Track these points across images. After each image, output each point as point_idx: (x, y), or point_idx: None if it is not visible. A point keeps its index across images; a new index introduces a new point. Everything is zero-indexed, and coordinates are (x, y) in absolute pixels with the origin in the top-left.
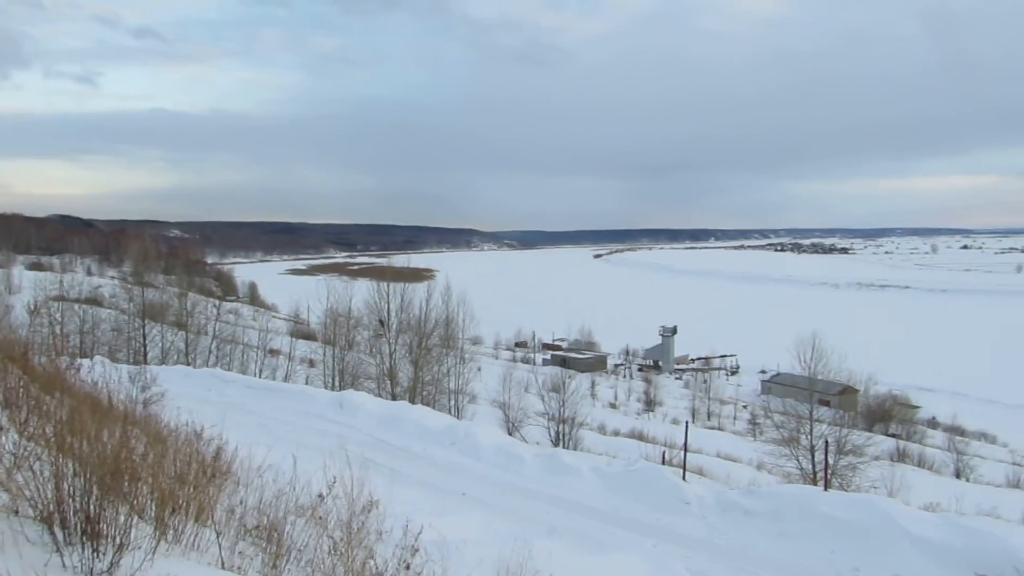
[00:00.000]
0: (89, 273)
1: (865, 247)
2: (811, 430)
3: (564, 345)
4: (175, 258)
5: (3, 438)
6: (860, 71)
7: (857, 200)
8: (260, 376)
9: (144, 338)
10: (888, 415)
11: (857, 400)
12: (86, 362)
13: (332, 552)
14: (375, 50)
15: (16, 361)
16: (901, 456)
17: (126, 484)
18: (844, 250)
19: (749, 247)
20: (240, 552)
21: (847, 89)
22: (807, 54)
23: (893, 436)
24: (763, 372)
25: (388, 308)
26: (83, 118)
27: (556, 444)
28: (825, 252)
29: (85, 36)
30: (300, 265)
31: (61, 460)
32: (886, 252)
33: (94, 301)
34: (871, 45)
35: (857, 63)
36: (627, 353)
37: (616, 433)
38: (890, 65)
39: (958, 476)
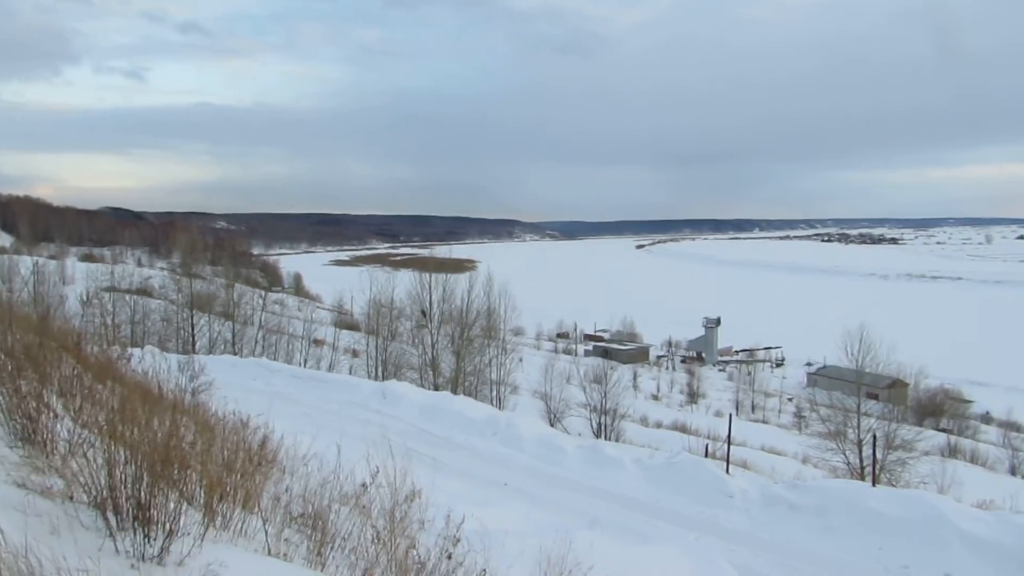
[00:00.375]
0: (139, 264)
1: (916, 237)
2: (859, 424)
3: (606, 336)
4: (222, 249)
5: (59, 425)
6: (910, 55)
7: (907, 189)
8: (305, 366)
9: (192, 328)
10: (939, 409)
11: (907, 394)
12: (137, 351)
13: (375, 540)
14: (417, 42)
15: (70, 350)
16: (952, 452)
17: (176, 471)
18: (893, 240)
19: (794, 237)
20: (286, 539)
21: (897, 74)
22: (854, 39)
23: (944, 431)
24: (809, 364)
25: (430, 299)
26: (132, 112)
27: (598, 436)
28: (874, 242)
29: (133, 32)
30: (343, 256)
31: (113, 447)
32: (938, 242)
33: (144, 292)
34: (921, 26)
35: (909, 45)
36: (670, 344)
37: (658, 425)
38: (942, 47)
39: (1013, 473)
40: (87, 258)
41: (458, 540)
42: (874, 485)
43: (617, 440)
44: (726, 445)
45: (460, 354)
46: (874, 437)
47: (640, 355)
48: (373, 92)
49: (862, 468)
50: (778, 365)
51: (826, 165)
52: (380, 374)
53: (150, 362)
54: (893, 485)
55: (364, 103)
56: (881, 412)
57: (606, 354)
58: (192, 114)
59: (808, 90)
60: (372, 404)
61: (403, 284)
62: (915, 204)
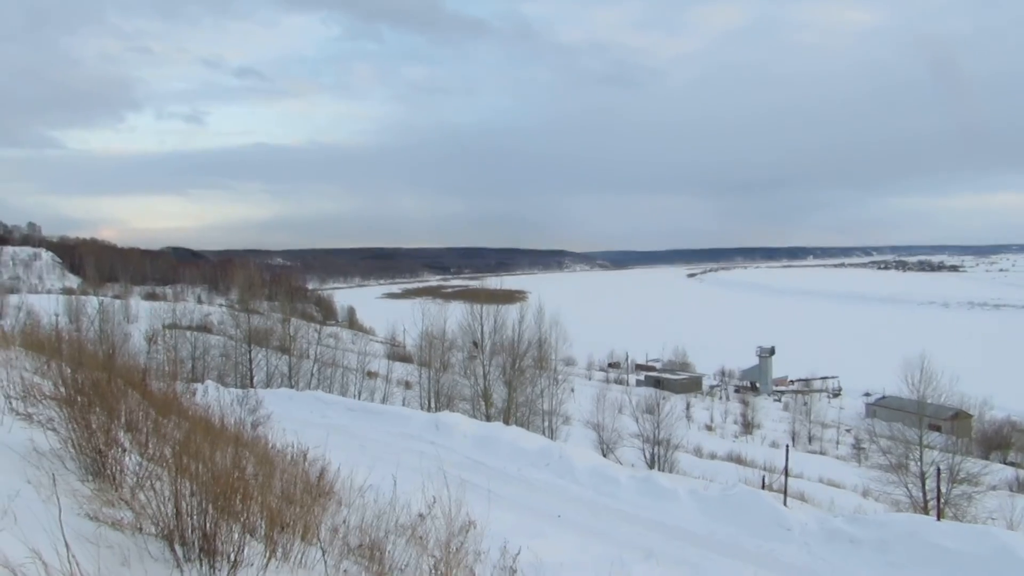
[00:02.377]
0: (199, 301)
1: (977, 264)
2: (921, 456)
3: (658, 366)
4: (278, 285)
5: (127, 459)
6: (972, 75)
7: (968, 215)
8: (359, 398)
9: (250, 362)
10: (1006, 442)
11: (971, 426)
12: (198, 386)
13: (432, 572)
14: (464, 78)
15: (136, 386)
16: (1022, 486)
17: (238, 503)
18: (954, 268)
19: (850, 265)
20: (344, 571)
21: (957, 97)
22: (907, 61)
23: (1012, 464)
24: (867, 395)
25: (482, 330)
26: (191, 155)
27: (651, 466)
28: (933, 270)
29: (191, 78)
30: (395, 289)
31: (179, 480)
32: (1000, 269)
33: (204, 328)
34: (977, 47)
35: (967, 66)
36: (723, 374)
37: (713, 456)
38: (1002, 66)
39: None
40: (150, 297)
41: (514, 572)
42: (939, 520)
43: (671, 471)
44: (783, 476)
45: (512, 384)
46: (938, 470)
47: (692, 385)
48: (422, 128)
49: (925, 502)
50: (835, 395)
51: (883, 191)
52: (433, 405)
53: (211, 396)
54: (959, 520)
55: (414, 139)
56: (944, 444)
57: (658, 384)
58: (248, 154)
59: (861, 116)
60: (425, 435)
61: (454, 316)
62: (976, 230)
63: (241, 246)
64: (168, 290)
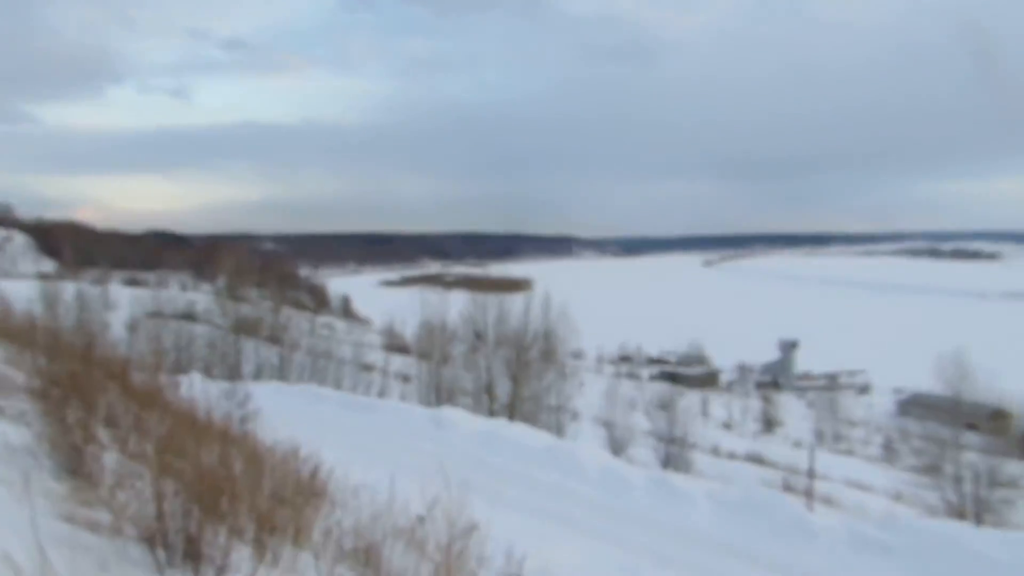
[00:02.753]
0: (184, 289)
1: (1017, 252)
2: (957, 458)
3: (672, 359)
4: (268, 272)
5: (105, 456)
6: (1016, 52)
7: (1007, 200)
8: (355, 392)
9: (238, 354)
10: None
11: (1011, 425)
12: (183, 379)
13: None
14: (467, 52)
15: (116, 378)
16: None
17: (225, 504)
18: (991, 256)
19: (878, 253)
20: (338, 575)
21: (997, 76)
22: (943, 38)
23: None
24: (898, 391)
25: (485, 321)
26: (176, 132)
27: (665, 467)
28: (968, 258)
29: (176, 50)
30: (393, 276)
31: (162, 479)
32: None
33: (189, 317)
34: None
35: (1016, 44)
36: (742, 369)
37: (731, 456)
38: None
39: None
40: (131, 283)
41: None
42: (978, 526)
43: (686, 472)
44: (807, 479)
45: (517, 379)
46: (976, 472)
47: (709, 380)
48: (423, 105)
49: (963, 507)
50: (863, 392)
51: (915, 174)
52: (433, 400)
53: (197, 389)
54: (1000, 526)
55: (414, 115)
56: (983, 445)
57: (672, 379)
58: (237, 132)
59: (890, 90)
60: (425, 432)
61: (456, 305)
62: (1017, 216)
63: (229, 230)
64: (150, 276)
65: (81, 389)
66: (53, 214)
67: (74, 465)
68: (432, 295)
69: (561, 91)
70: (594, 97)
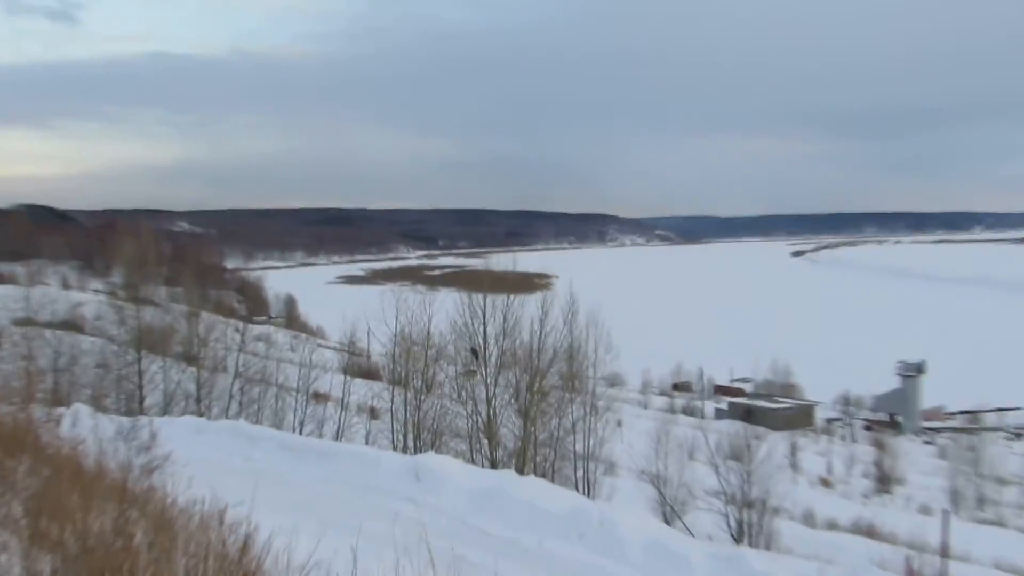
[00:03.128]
0: (66, 286)
1: None
2: None
3: (748, 389)
4: (183, 263)
5: None
6: None
7: None
8: (302, 432)
9: (140, 377)
10: None
11: None
12: (64, 411)
13: None
14: None
15: None
16: None
17: None
18: None
19: None
20: None
21: None
22: None
23: None
24: None
25: (484, 332)
26: (58, 68)
27: (738, 540)
28: None
29: None
30: (357, 270)
31: (35, 553)
32: None
33: (72, 325)
34: None
35: None
36: (846, 402)
37: (831, 525)
38: None
39: None
40: None
41: None
42: None
43: (768, 547)
44: (940, 558)
45: (529, 414)
46: None
47: (801, 418)
48: (399, 30)
49: None
50: (1017, 437)
51: None
52: (412, 444)
53: (83, 427)
54: None
55: (386, 46)
56: None
57: (749, 415)
58: (142, 68)
59: None
60: (400, 489)
61: (444, 310)
62: None
63: (130, 204)
64: (19, 268)
65: None
66: None
67: None
68: (411, 295)
69: (591, 13)
70: (636, 23)
